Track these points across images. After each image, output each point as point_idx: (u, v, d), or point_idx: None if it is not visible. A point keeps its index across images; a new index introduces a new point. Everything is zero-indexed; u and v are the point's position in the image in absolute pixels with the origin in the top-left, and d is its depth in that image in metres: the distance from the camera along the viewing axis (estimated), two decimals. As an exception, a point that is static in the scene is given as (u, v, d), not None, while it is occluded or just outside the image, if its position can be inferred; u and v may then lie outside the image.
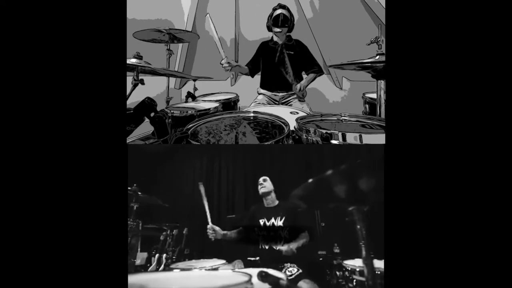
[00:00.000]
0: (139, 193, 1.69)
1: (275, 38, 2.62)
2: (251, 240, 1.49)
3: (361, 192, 0.63)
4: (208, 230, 1.47)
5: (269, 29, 2.62)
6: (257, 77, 2.83)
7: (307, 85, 2.55)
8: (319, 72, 2.61)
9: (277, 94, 2.65)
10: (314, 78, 2.61)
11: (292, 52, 2.52)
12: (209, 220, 1.50)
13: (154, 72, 1.65)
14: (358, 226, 0.64)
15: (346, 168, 0.57)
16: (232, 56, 3.74)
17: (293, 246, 1.32)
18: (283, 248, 1.32)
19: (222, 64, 2.31)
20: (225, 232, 1.52)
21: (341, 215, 1.38)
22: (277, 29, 2.53)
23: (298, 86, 2.45)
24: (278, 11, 2.53)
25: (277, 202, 1.57)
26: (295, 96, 2.64)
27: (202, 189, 1.56)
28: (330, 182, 0.62)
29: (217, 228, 1.49)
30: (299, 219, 1.45)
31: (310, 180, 0.60)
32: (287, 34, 2.61)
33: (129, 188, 1.61)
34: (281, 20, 2.51)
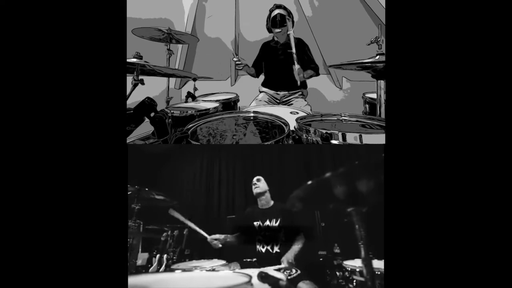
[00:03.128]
0: (146, 189, 1.68)
1: (276, 38, 2.64)
2: (248, 243, 1.48)
3: (360, 193, 0.62)
4: (211, 243, 1.47)
5: (269, 31, 2.65)
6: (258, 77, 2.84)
7: (306, 77, 2.57)
8: (316, 70, 2.63)
9: (279, 93, 2.66)
10: (311, 76, 2.62)
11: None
12: (206, 235, 1.49)
13: (154, 73, 1.65)
14: (357, 227, 0.64)
15: (345, 170, 0.57)
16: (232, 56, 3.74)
17: (290, 257, 1.29)
18: (283, 264, 1.29)
19: (235, 62, 2.45)
20: (225, 236, 1.51)
21: (340, 216, 1.38)
22: (277, 30, 2.55)
23: (298, 67, 2.40)
24: (275, 12, 2.55)
25: (272, 202, 1.53)
26: (296, 95, 2.65)
27: (176, 214, 1.55)
28: (329, 183, 0.62)
29: (216, 236, 1.49)
30: (295, 220, 1.44)
31: (309, 182, 0.60)
32: (288, 33, 2.62)
33: (129, 187, 1.61)
34: (278, 21, 2.52)
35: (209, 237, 1.48)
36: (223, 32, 3.68)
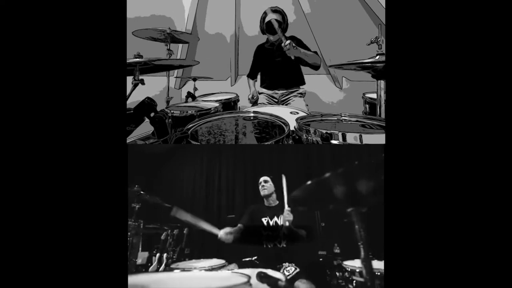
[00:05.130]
0: (142, 192, 1.69)
1: (271, 40, 2.61)
2: (254, 240, 1.49)
3: (360, 193, 0.62)
4: (222, 238, 1.42)
5: (263, 33, 2.60)
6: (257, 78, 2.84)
7: (300, 53, 2.24)
8: (316, 59, 2.41)
9: (277, 92, 2.66)
10: (310, 58, 2.35)
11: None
12: (216, 231, 1.43)
13: (156, 69, 1.64)
14: (357, 227, 0.64)
15: (345, 170, 0.57)
16: (232, 53, 3.74)
17: (290, 220, 1.32)
18: (281, 219, 1.31)
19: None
20: (233, 229, 1.47)
21: (340, 216, 1.38)
22: (272, 37, 2.53)
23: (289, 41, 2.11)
24: (268, 18, 2.47)
25: (277, 202, 1.58)
26: (294, 93, 2.64)
27: (181, 214, 1.50)
28: (329, 184, 0.62)
29: (227, 229, 1.44)
30: (298, 220, 1.45)
31: (309, 182, 0.60)
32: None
33: (129, 188, 1.62)
34: (273, 28, 2.47)
35: (220, 232, 1.42)
36: (224, 32, 3.68)
